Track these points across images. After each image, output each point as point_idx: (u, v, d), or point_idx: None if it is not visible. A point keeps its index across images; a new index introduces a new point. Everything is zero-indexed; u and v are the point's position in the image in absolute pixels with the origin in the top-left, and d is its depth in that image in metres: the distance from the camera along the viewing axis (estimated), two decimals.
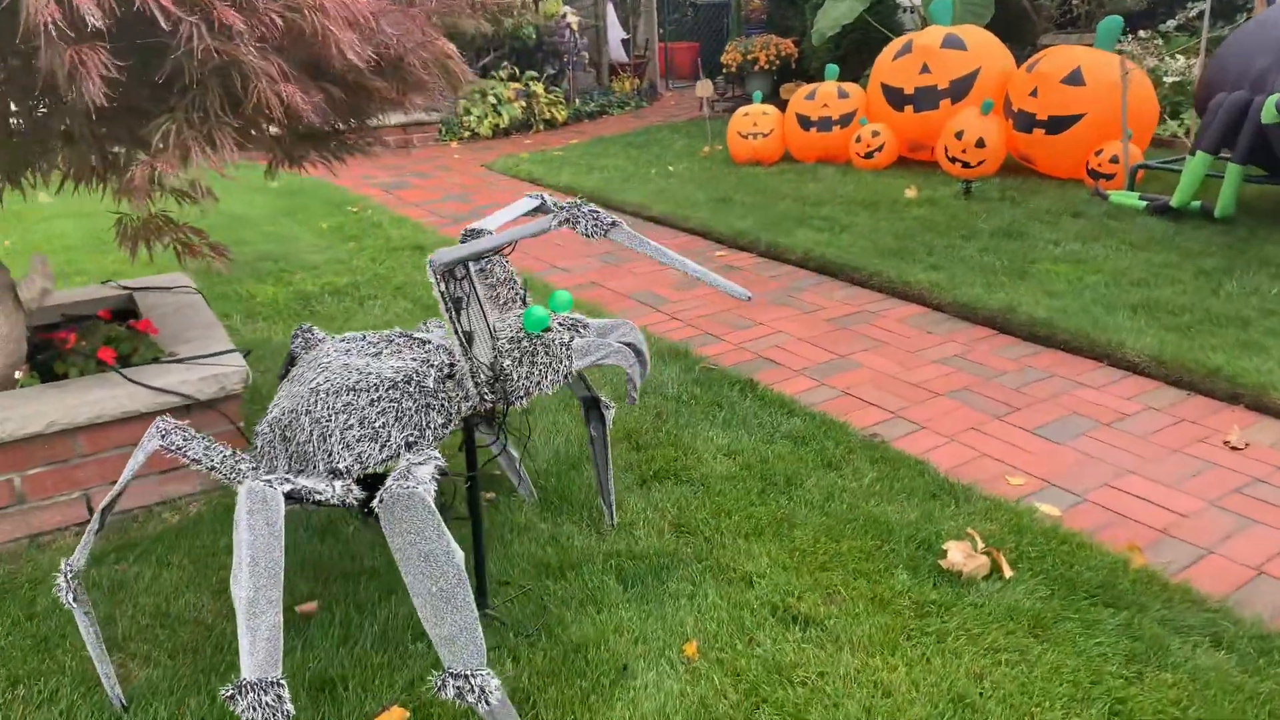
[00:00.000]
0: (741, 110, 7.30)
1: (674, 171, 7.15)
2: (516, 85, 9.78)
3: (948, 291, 4.22)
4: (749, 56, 9.98)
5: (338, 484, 1.80)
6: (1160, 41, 7.67)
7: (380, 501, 1.62)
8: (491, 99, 9.48)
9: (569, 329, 2.04)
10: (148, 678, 2.02)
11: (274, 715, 1.52)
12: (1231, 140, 4.85)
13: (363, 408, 1.89)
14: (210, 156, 1.93)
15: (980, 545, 2.38)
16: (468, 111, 9.40)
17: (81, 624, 1.89)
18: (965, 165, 6.21)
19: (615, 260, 5.18)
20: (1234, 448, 2.95)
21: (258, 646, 1.55)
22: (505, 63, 10.07)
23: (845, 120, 6.92)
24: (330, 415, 1.88)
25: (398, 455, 1.90)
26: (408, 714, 1.90)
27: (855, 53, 8.62)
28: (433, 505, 1.61)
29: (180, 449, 1.89)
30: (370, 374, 1.94)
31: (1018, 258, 4.63)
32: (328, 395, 1.90)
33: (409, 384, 1.94)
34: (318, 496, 1.74)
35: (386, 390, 1.91)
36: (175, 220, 2.69)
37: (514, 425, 3.02)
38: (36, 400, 2.52)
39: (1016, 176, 6.26)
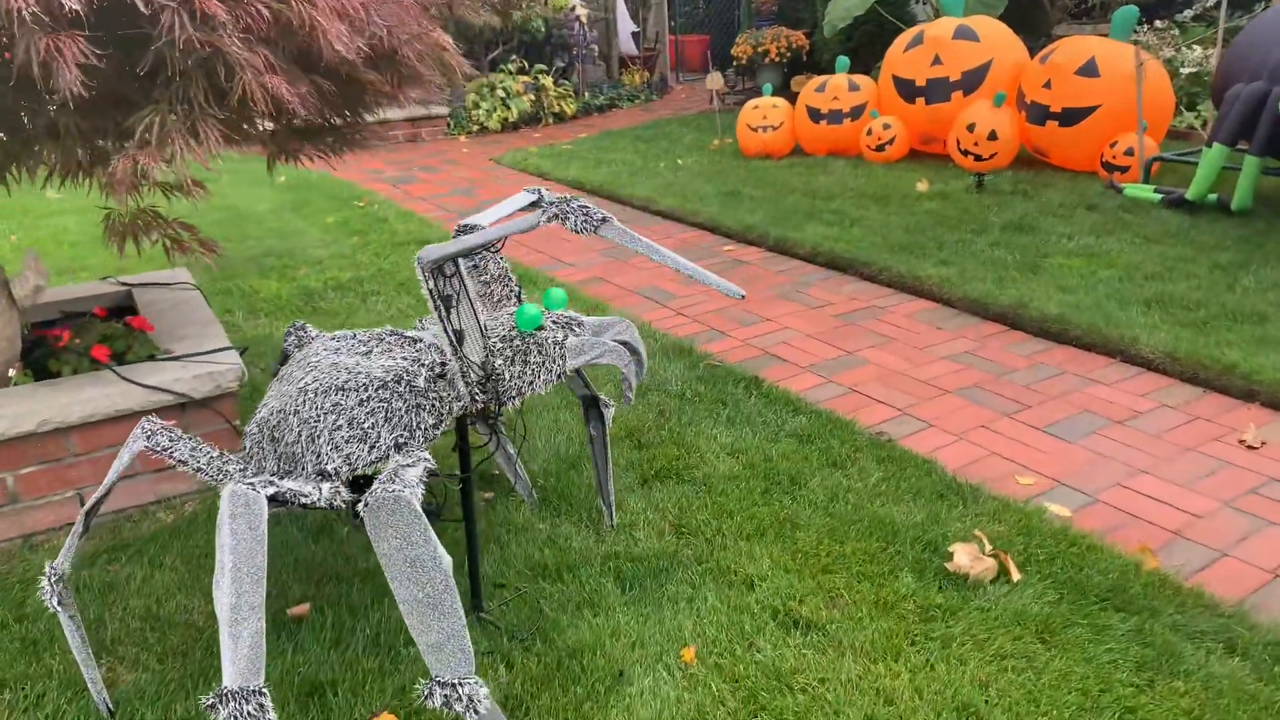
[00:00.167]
0: (751, 103, 7.22)
1: (683, 165, 7.09)
2: (525, 79, 9.73)
3: (958, 286, 4.15)
4: (760, 49, 9.90)
5: (326, 486, 1.76)
6: (1176, 31, 7.54)
7: (365, 505, 1.58)
8: (500, 93, 9.43)
9: (563, 327, 1.99)
10: (135, 682, 1.99)
11: None
12: (1249, 132, 4.76)
13: (351, 408, 1.85)
14: (194, 148, 1.88)
15: (988, 547, 2.33)
16: (476, 105, 9.36)
17: (67, 628, 1.86)
18: (977, 158, 6.13)
19: (620, 255, 5.13)
20: (1250, 446, 2.88)
21: (240, 654, 1.51)
22: (514, 56, 10.02)
23: (856, 113, 6.84)
24: (319, 416, 1.84)
25: (387, 456, 1.85)
26: None
27: (867, 45, 8.55)
28: (419, 509, 1.57)
29: (166, 449, 1.85)
30: (359, 373, 1.89)
31: (1030, 252, 4.56)
32: (316, 395, 1.86)
33: (399, 383, 1.89)
34: (304, 499, 1.70)
35: (376, 390, 1.87)
36: (164, 215, 2.65)
37: (512, 424, 2.97)
38: (29, 399, 2.49)
39: (1029, 169, 6.17)
